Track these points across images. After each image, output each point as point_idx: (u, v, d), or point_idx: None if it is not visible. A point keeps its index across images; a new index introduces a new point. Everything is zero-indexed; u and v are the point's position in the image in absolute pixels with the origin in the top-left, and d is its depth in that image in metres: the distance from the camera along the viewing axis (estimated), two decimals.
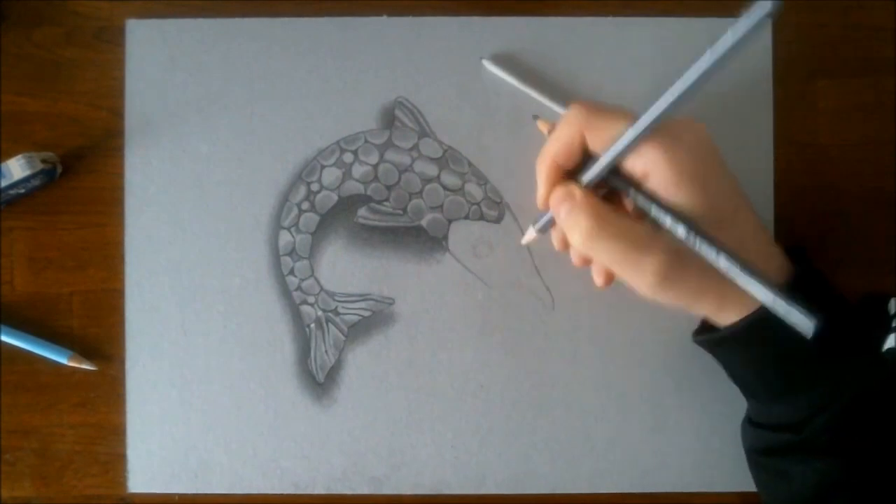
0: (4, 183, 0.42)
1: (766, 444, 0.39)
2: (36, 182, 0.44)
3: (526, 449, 0.45)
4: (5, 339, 0.45)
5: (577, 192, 0.35)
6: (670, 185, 0.33)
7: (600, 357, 0.45)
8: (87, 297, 0.45)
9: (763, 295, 0.31)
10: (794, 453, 0.37)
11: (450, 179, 0.45)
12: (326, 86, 0.45)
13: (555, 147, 0.35)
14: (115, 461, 0.45)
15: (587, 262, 0.39)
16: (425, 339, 0.45)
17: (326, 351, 0.45)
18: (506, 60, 0.45)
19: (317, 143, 0.45)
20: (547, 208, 0.36)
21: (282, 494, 0.45)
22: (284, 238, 0.45)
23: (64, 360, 0.44)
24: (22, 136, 0.45)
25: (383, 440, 0.45)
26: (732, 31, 0.28)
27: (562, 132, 0.35)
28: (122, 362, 0.45)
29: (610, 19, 0.45)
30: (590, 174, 0.35)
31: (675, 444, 0.45)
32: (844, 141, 0.45)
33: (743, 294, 0.34)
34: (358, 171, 0.45)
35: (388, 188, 0.45)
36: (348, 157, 0.45)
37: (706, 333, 0.38)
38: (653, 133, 0.33)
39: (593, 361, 0.45)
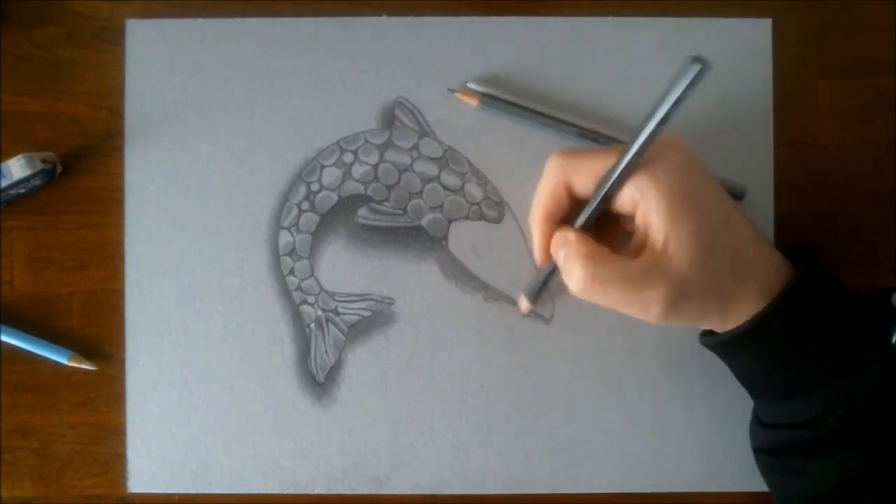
0: (4, 183, 0.42)
1: (780, 444, 0.38)
2: (36, 182, 0.44)
3: (526, 449, 0.45)
4: (5, 339, 0.45)
5: (571, 235, 0.35)
6: (661, 209, 0.33)
7: (600, 357, 0.45)
8: (87, 297, 0.45)
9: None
10: (812, 450, 0.36)
11: (450, 179, 0.45)
12: (326, 86, 0.45)
13: (542, 200, 0.36)
14: (115, 461, 0.45)
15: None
16: (425, 339, 0.45)
17: (326, 351, 0.45)
18: (490, 82, 0.45)
19: (317, 143, 0.45)
20: (546, 261, 0.37)
21: (282, 494, 0.45)
22: (284, 238, 0.45)
23: (64, 360, 0.44)
24: (22, 136, 0.45)
25: (383, 440, 0.45)
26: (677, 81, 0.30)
27: (546, 184, 0.36)
28: (122, 362, 0.45)
29: (610, 19, 0.45)
30: (581, 219, 0.35)
31: (675, 444, 0.45)
32: (844, 141, 0.45)
33: (746, 303, 0.35)
34: (358, 171, 0.45)
35: (388, 188, 0.45)
36: (348, 157, 0.45)
37: (714, 335, 0.38)
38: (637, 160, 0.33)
39: (593, 361, 0.45)
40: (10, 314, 0.45)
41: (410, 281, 0.45)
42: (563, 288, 0.36)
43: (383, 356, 0.45)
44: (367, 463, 0.45)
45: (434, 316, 0.45)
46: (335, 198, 0.45)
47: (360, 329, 0.45)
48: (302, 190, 0.45)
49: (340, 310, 0.45)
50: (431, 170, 0.45)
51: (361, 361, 0.45)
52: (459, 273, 0.45)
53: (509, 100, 0.44)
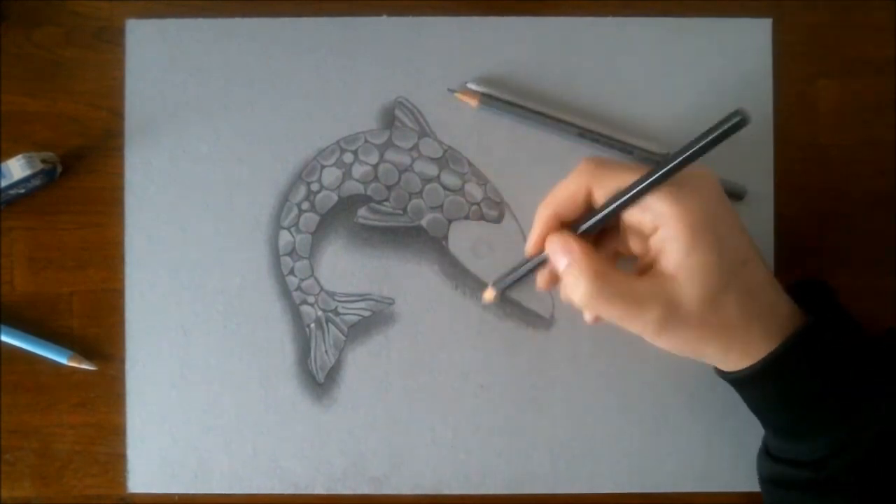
0: (4, 183, 0.42)
1: (783, 479, 0.38)
2: (36, 182, 0.44)
3: (526, 449, 0.45)
4: (5, 339, 0.45)
5: (574, 245, 0.35)
6: (680, 239, 0.33)
7: (600, 357, 0.45)
8: (86, 297, 0.45)
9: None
10: (812, 491, 0.36)
11: (450, 179, 0.45)
12: (326, 86, 0.45)
13: (561, 197, 0.36)
14: (115, 461, 0.45)
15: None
16: (425, 340, 0.45)
17: (326, 351, 0.45)
18: (492, 83, 0.45)
19: (317, 143, 0.45)
20: (536, 252, 0.37)
21: (282, 494, 0.45)
22: (284, 238, 0.45)
23: (64, 360, 0.44)
24: (22, 136, 0.45)
25: (383, 440, 0.45)
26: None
27: (570, 183, 0.36)
28: (121, 362, 0.45)
29: (610, 19, 0.45)
30: (585, 226, 0.36)
31: (675, 444, 0.45)
32: (844, 141, 0.45)
33: (749, 344, 0.35)
34: (358, 171, 0.45)
35: (388, 188, 0.45)
36: (348, 157, 0.45)
37: (727, 373, 0.38)
38: (662, 184, 0.33)
39: (593, 361, 0.45)
40: (9, 314, 0.45)
41: (410, 281, 0.45)
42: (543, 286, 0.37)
43: (383, 356, 0.45)
44: (367, 463, 0.45)
45: (434, 316, 0.45)
46: (335, 198, 0.45)
47: (360, 329, 0.45)
48: (302, 190, 0.45)
49: (340, 310, 0.45)
50: (431, 170, 0.45)
51: (361, 361, 0.45)
52: (459, 273, 0.45)
53: (509, 100, 0.44)
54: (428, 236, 0.45)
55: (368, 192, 0.45)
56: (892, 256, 0.45)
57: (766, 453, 0.40)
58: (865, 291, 0.44)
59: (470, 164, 0.45)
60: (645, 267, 0.35)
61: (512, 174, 0.45)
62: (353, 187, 0.45)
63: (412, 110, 0.45)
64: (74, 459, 0.45)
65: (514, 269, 0.39)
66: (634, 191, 0.34)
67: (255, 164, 0.45)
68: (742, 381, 0.37)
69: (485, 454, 0.45)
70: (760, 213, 0.45)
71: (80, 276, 0.45)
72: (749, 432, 0.43)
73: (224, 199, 0.45)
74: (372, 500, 0.45)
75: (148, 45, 0.45)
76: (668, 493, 0.45)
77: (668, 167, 0.33)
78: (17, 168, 0.42)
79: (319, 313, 0.45)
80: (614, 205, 0.34)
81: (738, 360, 0.36)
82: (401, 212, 0.45)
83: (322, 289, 0.45)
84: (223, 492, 0.45)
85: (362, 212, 0.45)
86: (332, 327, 0.45)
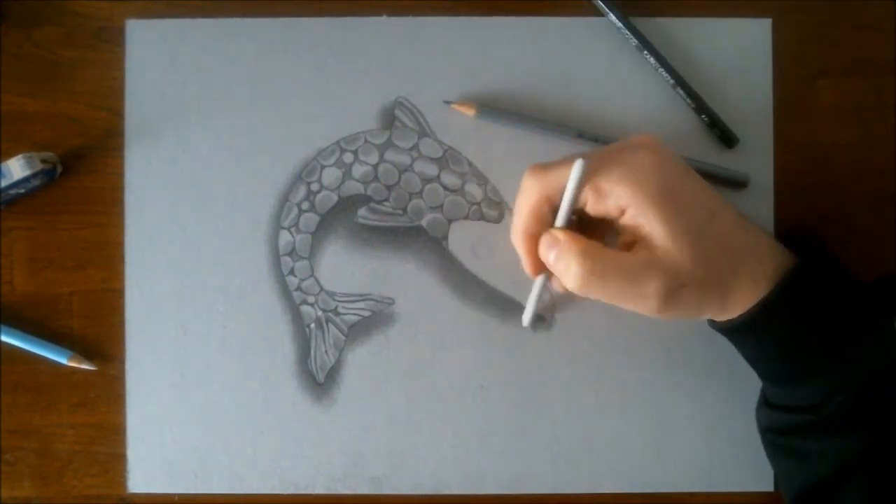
0: (4, 183, 0.42)
1: (783, 425, 0.39)
2: (36, 182, 0.44)
3: (526, 449, 0.45)
4: (5, 339, 0.45)
5: (559, 234, 0.35)
6: (648, 213, 0.34)
7: (600, 357, 0.45)
8: (86, 297, 0.45)
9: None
10: (812, 433, 0.37)
11: (450, 179, 0.45)
12: (326, 86, 0.45)
13: (523, 218, 0.37)
14: (115, 461, 0.45)
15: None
16: (425, 340, 0.45)
17: (326, 351, 0.45)
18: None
19: (317, 143, 0.45)
20: (537, 273, 0.37)
21: (282, 494, 0.45)
22: (284, 238, 0.45)
23: (64, 361, 0.44)
24: (22, 136, 0.45)
25: (383, 440, 0.45)
26: None
27: (525, 202, 0.36)
28: (121, 362, 0.45)
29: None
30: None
31: (675, 444, 0.45)
32: (844, 141, 0.45)
33: (743, 290, 0.35)
34: (358, 171, 0.45)
35: (388, 188, 0.45)
36: (348, 157, 0.45)
37: (719, 322, 0.38)
38: (611, 168, 0.34)
39: (593, 361, 0.45)
40: (9, 314, 0.45)
41: (410, 281, 0.45)
42: (559, 301, 0.36)
43: (383, 356, 0.45)
44: (367, 463, 0.45)
45: (434, 316, 0.45)
46: (335, 198, 0.45)
47: (360, 329, 0.45)
48: (302, 190, 0.45)
49: (340, 310, 0.45)
50: (431, 170, 0.45)
51: (361, 361, 0.45)
52: (459, 273, 0.45)
53: (506, 108, 0.44)
54: (428, 236, 0.45)
55: (368, 193, 0.45)
56: (892, 256, 0.45)
57: (765, 402, 0.40)
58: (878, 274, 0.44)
59: (470, 164, 0.45)
60: (626, 245, 0.36)
61: (512, 174, 0.45)
62: (353, 187, 0.45)
63: (412, 110, 0.45)
64: (74, 459, 0.45)
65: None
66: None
67: (255, 164, 0.45)
68: (737, 329, 0.37)
69: (485, 454, 0.45)
70: (760, 213, 0.45)
71: (80, 276, 0.45)
72: (749, 432, 0.43)
73: (224, 199, 0.45)
74: (372, 500, 0.45)
75: (148, 45, 0.45)
76: (668, 493, 0.45)
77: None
78: (17, 168, 0.42)
79: (319, 313, 0.45)
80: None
81: (736, 310, 0.36)
82: (401, 212, 0.45)
83: (322, 289, 0.45)
84: (223, 492, 0.45)
85: (362, 212, 0.45)
86: (332, 327, 0.45)
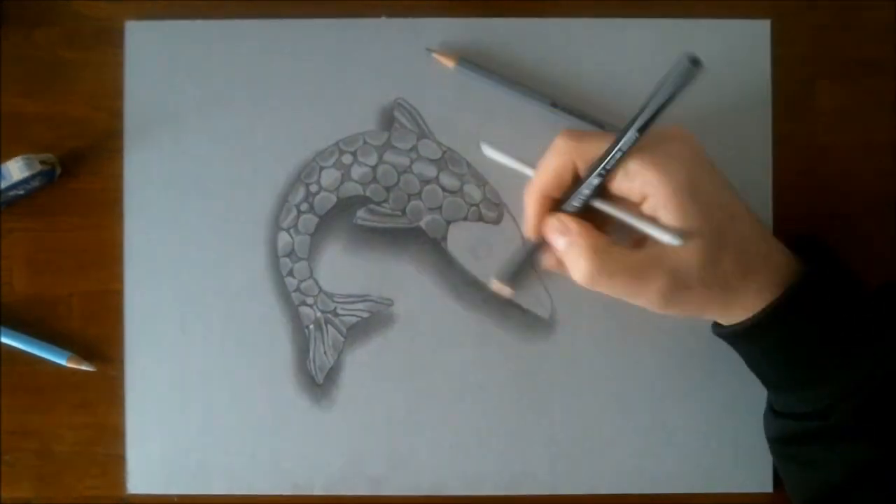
0: (4, 184, 0.42)
1: (791, 433, 0.39)
2: (35, 183, 0.44)
3: (526, 449, 0.45)
4: (5, 340, 0.45)
5: (572, 225, 0.35)
6: (668, 206, 0.33)
7: (600, 357, 0.45)
8: (86, 298, 0.45)
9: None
10: (820, 440, 0.37)
11: (449, 181, 0.45)
12: (325, 87, 0.45)
13: (544, 178, 0.36)
14: (115, 462, 0.45)
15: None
16: (424, 341, 0.45)
17: (325, 352, 0.45)
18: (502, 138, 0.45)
19: (316, 145, 0.45)
20: (536, 236, 0.37)
21: (281, 495, 0.45)
22: (283, 239, 0.45)
23: (63, 362, 0.44)
24: (21, 137, 0.45)
25: (382, 441, 0.45)
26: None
27: (551, 162, 0.36)
28: (121, 363, 0.45)
29: (609, 20, 0.45)
30: (576, 199, 0.35)
31: (675, 444, 0.45)
32: (843, 142, 0.45)
33: (749, 297, 0.35)
34: (357, 172, 0.45)
35: (387, 189, 0.45)
36: (347, 159, 0.45)
37: (722, 326, 0.38)
38: (643, 152, 0.34)
39: (593, 362, 0.45)
40: (9, 315, 0.45)
41: (409, 282, 0.45)
42: (540, 268, 0.37)
43: (382, 357, 0.45)
44: (366, 463, 0.45)
45: (433, 317, 0.45)
46: (334, 199, 0.45)
47: (359, 330, 0.45)
48: (301, 191, 0.45)
49: (339, 311, 0.45)
50: (430, 171, 0.45)
51: (360, 362, 0.45)
52: (458, 274, 0.45)
53: (486, 67, 0.44)
54: (427, 237, 0.45)
55: (367, 194, 0.45)
56: (892, 256, 0.45)
57: (772, 411, 0.40)
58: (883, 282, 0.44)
59: (469, 165, 0.45)
60: (640, 238, 0.36)
61: (510, 175, 0.45)
62: (351, 188, 0.45)
63: (411, 111, 0.45)
64: (74, 460, 0.45)
65: (515, 257, 0.39)
66: (611, 155, 0.33)
67: (254, 165, 0.45)
68: (743, 334, 0.37)
69: (484, 455, 0.45)
70: (760, 214, 0.44)
71: (80, 277, 0.45)
72: (749, 433, 0.43)
73: (223, 200, 0.45)
74: (371, 501, 0.45)
75: (147, 47, 0.45)
76: (668, 494, 0.45)
77: (639, 122, 0.33)
78: (17, 169, 0.42)
79: (318, 314, 0.45)
80: (596, 171, 0.34)
81: (738, 315, 0.36)
82: (400, 213, 0.45)
83: (321, 290, 0.45)
84: (223, 492, 0.45)
85: (361, 213, 0.45)
86: (331, 328, 0.45)
